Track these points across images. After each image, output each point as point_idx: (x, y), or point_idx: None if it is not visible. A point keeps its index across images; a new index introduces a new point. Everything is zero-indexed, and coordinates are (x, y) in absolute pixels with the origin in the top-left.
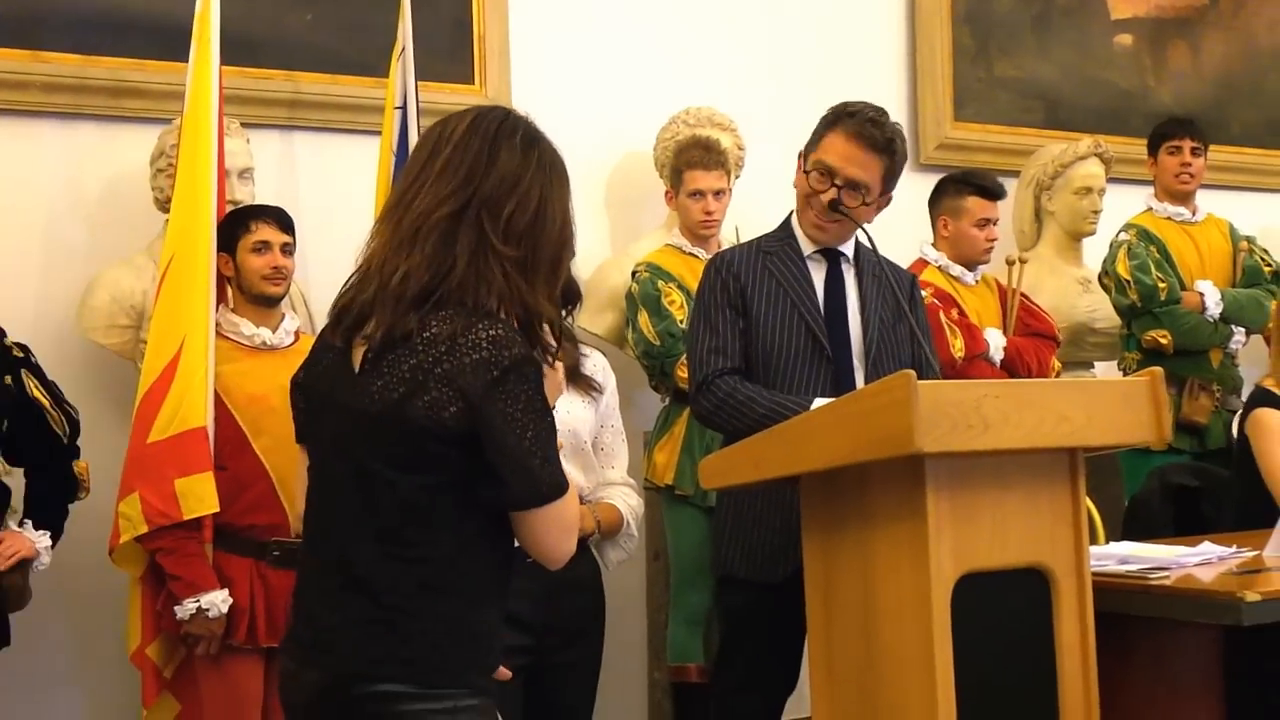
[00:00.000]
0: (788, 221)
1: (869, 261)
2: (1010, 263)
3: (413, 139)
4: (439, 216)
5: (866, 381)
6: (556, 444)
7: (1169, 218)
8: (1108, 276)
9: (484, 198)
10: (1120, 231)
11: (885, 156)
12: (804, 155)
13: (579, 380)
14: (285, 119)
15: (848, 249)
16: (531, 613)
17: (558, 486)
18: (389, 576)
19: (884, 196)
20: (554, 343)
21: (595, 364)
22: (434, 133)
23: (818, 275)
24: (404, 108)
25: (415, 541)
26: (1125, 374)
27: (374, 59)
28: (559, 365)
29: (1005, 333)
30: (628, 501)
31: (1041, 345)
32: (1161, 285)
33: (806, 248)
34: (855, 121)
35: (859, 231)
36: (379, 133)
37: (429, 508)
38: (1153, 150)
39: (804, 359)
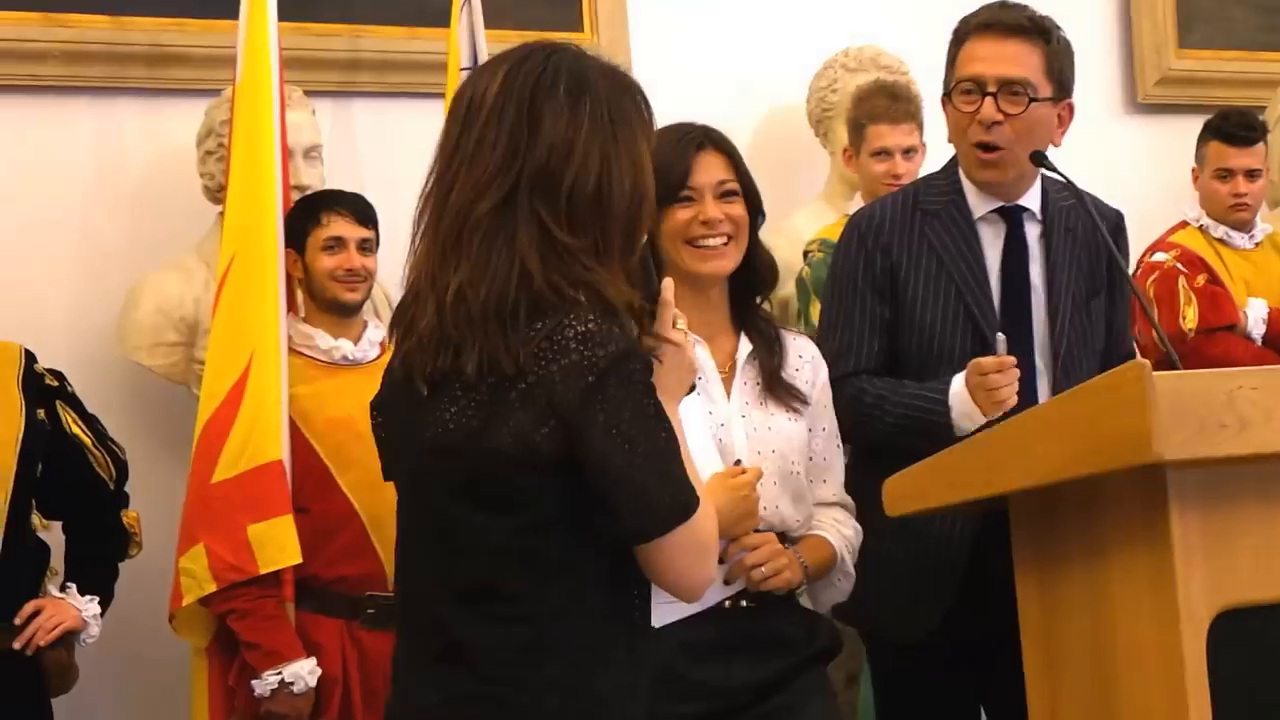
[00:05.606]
0: (952, 166)
1: (1059, 210)
2: None
3: None
4: (481, 212)
5: (1053, 391)
6: (678, 451)
7: None
8: None
9: (532, 177)
10: None
11: (1038, 40)
12: (946, 91)
13: (778, 390)
14: (340, 83)
15: (1031, 202)
16: (719, 677)
17: (684, 507)
18: (485, 642)
19: (1061, 103)
20: (638, 328)
21: (802, 354)
22: (464, 97)
23: (993, 246)
24: (473, 69)
25: (514, 597)
26: None
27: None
28: (687, 341)
29: None
30: (841, 530)
31: None
32: None
33: (978, 207)
34: (983, 16)
35: (1041, 176)
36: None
37: (528, 555)
38: None
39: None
